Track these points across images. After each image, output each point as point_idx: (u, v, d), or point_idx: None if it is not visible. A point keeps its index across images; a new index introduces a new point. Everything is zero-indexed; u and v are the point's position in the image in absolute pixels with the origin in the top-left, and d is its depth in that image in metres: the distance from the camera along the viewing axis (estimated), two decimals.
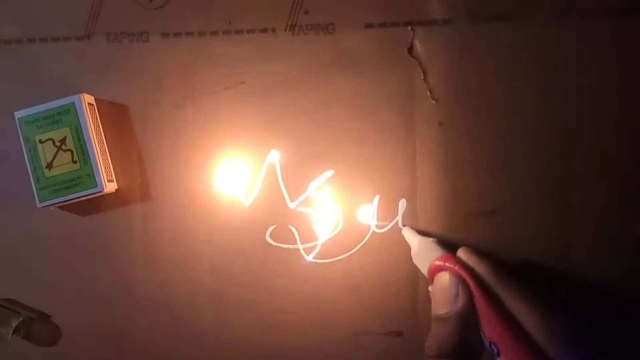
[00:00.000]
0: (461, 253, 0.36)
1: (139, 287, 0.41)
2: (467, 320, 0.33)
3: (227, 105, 0.41)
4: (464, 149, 0.40)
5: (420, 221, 0.40)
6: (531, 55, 0.39)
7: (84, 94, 0.39)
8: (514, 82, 0.39)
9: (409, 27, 0.40)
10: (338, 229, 0.40)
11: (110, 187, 0.40)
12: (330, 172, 0.40)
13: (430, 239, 0.38)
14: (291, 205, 0.40)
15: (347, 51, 0.40)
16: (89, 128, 0.39)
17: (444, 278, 0.35)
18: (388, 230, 0.40)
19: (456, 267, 0.35)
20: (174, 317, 0.41)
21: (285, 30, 0.40)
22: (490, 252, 0.38)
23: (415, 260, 0.38)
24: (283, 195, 0.40)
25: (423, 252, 0.38)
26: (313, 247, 0.40)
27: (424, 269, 0.37)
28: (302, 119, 0.41)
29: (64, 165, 0.39)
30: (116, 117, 0.41)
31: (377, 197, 0.40)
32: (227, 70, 0.41)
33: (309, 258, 0.40)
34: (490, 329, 0.33)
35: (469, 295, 0.33)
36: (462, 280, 0.34)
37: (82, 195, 0.39)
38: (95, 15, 0.41)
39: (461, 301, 0.33)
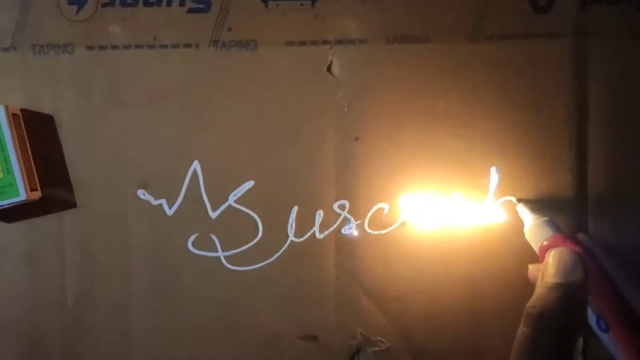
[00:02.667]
0: (581, 236, 0.38)
1: (64, 293, 0.42)
2: (576, 293, 0.34)
3: (151, 117, 0.42)
4: (378, 162, 0.42)
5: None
6: (443, 75, 0.41)
7: (8, 104, 0.40)
8: (424, 101, 0.41)
9: (328, 46, 0.42)
10: (258, 238, 0.42)
11: (33, 195, 0.41)
12: (250, 183, 0.42)
13: (545, 218, 0.39)
14: (212, 214, 0.42)
15: (269, 67, 0.42)
16: (12, 138, 0.40)
17: (562, 251, 0.35)
18: (305, 239, 0.42)
19: (576, 247, 0.36)
20: (99, 323, 0.43)
21: (208, 46, 0.42)
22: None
23: (528, 236, 0.39)
24: (205, 205, 0.42)
25: (538, 229, 0.39)
26: (233, 255, 0.42)
27: (536, 245, 0.38)
28: (225, 132, 0.42)
29: None
30: (41, 127, 0.42)
31: (295, 208, 0.42)
32: (151, 84, 0.42)
33: (229, 265, 0.42)
34: (601, 305, 0.35)
35: (585, 271, 0.34)
36: (580, 257, 0.35)
37: (5, 204, 0.40)
38: (21, 27, 0.42)
39: (577, 275, 0.34)
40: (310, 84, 0.42)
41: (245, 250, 0.42)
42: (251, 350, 0.43)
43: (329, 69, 0.42)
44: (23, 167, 0.40)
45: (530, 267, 0.39)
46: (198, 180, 0.42)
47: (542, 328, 0.33)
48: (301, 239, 0.42)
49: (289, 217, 0.42)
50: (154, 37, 0.42)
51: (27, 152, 0.41)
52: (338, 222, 0.42)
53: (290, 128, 0.42)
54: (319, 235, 0.42)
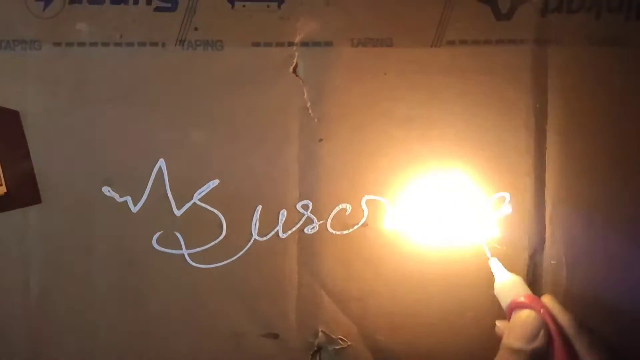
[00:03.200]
0: (546, 298, 0.38)
1: (30, 289, 0.43)
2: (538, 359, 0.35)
3: (117, 114, 0.42)
4: (342, 163, 0.43)
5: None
6: (406, 78, 0.42)
7: None
8: (385, 104, 0.42)
9: (294, 48, 0.42)
10: (222, 236, 0.43)
11: None
12: (215, 182, 0.43)
13: (518, 277, 0.39)
14: (177, 212, 0.43)
15: (235, 68, 0.42)
16: None
17: (528, 315, 0.36)
18: (269, 238, 0.43)
19: (542, 310, 0.36)
20: (63, 320, 0.43)
21: (175, 45, 0.42)
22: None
23: (498, 291, 0.39)
24: (170, 203, 0.42)
25: (509, 286, 0.38)
26: (197, 253, 0.43)
27: (505, 302, 0.38)
28: (190, 130, 0.42)
29: None
30: (7, 123, 0.42)
31: (259, 207, 0.43)
32: (118, 81, 0.42)
33: (193, 263, 0.43)
34: None
35: (548, 338, 0.35)
36: (545, 323, 0.35)
37: None
38: None
39: (539, 342, 0.35)
40: (276, 85, 0.42)
41: (209, 248, 0.43)
42: (213, 347, 0.43)
43: (294, 70, 0.42)
44: None
45: (498, 323, 0.39)
46: (163, 178, 0.42)
47: None
48: (264, 238, 0.43)
49: (252, 216, 0.43)
50: (121, 35, 0.42)
51: None
52: (301, 222, 0.43)
53: (255, 128, 0.42)
54: (282, 235, 0.43)
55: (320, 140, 0.42)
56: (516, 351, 0.35)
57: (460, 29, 0.42)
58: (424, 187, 0.42)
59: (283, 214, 0.42)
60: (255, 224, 0.43)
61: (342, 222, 0.43)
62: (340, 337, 0.43)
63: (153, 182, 0.42)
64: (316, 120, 0.42)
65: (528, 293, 0.38)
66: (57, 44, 0.42)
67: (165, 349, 0.43)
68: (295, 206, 0.43)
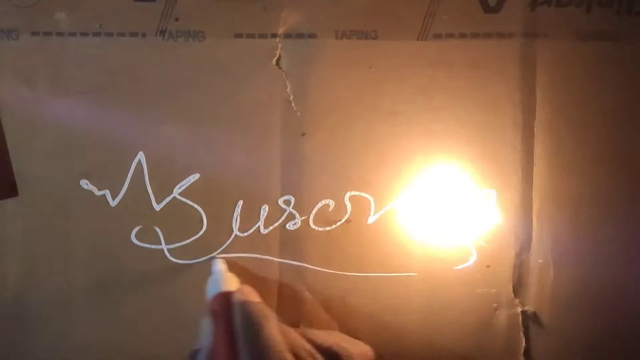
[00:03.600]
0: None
1: (9, 280, 0.42)
2: None
3: (97, 105, 0.41)
4: (324, 158, 0.42)
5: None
6: (390, 72, 0.41)
7: None
8: (371, 99, 0.41)
9: (277, 39, 0.41)
10: (202, 231, 0.42)
11: None
12: (196, 176, 0.42)
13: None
14: (157, 206, 0.42)
15: (217, 59, 0.41)
16: None
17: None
18: (250, 234, 0.42)
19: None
20: (40, 314, 0.42)
21: (155, 36, 0.41)
22: None
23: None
24: (149, 197, 0.42)
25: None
26: (177, 248, 0.42)
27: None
28: (170, 123, 0.41)
29: None
30: None
31: (240, 202, 0.42)
32: (97, 72, 0.41)
33: (172, 258, 0.42)
34: None
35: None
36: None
37: None
38: None
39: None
40: (258, 78, 0.41)
41: (189, 243, 0.42)
42: (192, 343, 0.42)
43: (277, 62, 0.41)
44: None
45: None
46: (143, 171, 0.41)
47: None
48: (246, 234, 0.42)
49: (234, 211, 0.42)
50: (100, 25, 0.41)
51: None
52: (283, 218, 0.42)
53: (236, 121, 0.42)
54: (263, 230, 0.42)
55: (303, 134, 0.42)
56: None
57: (447, 22, 0.41)
58: (408, 183, 0.41)
59: (265, 209, 0.42)
60: (237, 219, 0.42)
61: (324, 218, 0.42)
62: None
63: (132, 175, 0.41)
64: (299, 114, 0.41)
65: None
66: (35, 34, 0.41)
67: (145, 345, 0.42)
68: (277, 201, 0.42)
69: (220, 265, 0.40)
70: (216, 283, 0.39)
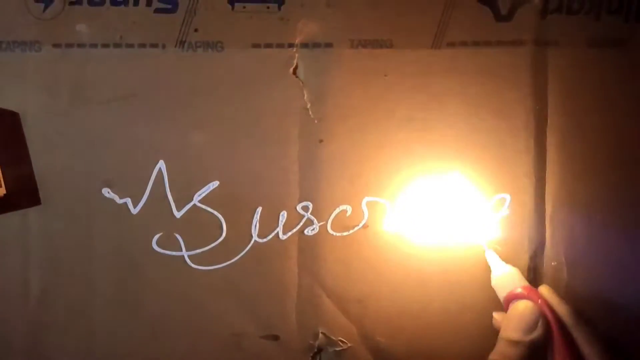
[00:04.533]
0: (543, 289, 0.38)
1: (29, 289, 0.42)
2: (537, 350, 0.35)
3: (118, 116, 0.42)
4: (341, 164, 0.43)
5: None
6: (405, 80, 0.42)
7: None
8: (386, 105, 0.42)
9: (294, 49, 0.42)
10: (222, 238, 0.43)
11: None
12: (215, 183, 0.42)
13: (515, 269, 0.39)
14: (177, 214, 0.42)
15: (235, 69, 0.42)
16: None
17: (525, 306, 0.36)
18: (269, 240, 0.43)
19: (539, 301, 0.36)
20: (62, 322, 0.43)
21: (175, 47, 0.42)
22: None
23: (495, 283, 0.39)
24: (170, 205, 0.42)
25: (506, 278, 0.39)
26: (197, 255, 0.43)
27: (502, 294, 0.38)
28: (190, 132, 0.42)
29: None
30: (7, 125, 0.42)
31: (259, 209, 0.43)
32: (118, 83, 0.42)
33: (193, 265, 0.43)
34: None
35: (547, 329, 0.35)
36: (543, 314, 0.36)
37: None
38: None
39: (537, 332, 0.35)
40: (276, 86, 0.42)
41: (209, 249, 0.43)
42: (213, 348, 0.43)
43: (294, 71, 0.42)
44: None
45: (495, 315, 0.40)
46: (163, 179, 0.42)
47: None
48: (265, 240, 0.43)
49: (253, 217, 0.42)
50: (121, 37, 0.42)
51: None
52: (301, 223, 0.43)
53: (255, 129, 0.42)
54: (282, 236, 0.43)
55: (320, 141, 0.42)
56: (515, 343, 0.35)
57: (460, 31, 0.42)
58: (424, 188, 0.42)
59: (283, 215, 0.42)
60: (256, 226, 0.43)
61: (342, 223, 0.43)
62: (340, 338, 0.43)
63: (153, 183, 0.42)
64: (316, 121, 0.42)
65: (525, 284, 0.38)
66: (57, 45, 0.42)
67: (165, 350, 0.43)
68: (296, 207, 0.43)
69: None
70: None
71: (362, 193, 0.42)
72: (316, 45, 0.42)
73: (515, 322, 0.36)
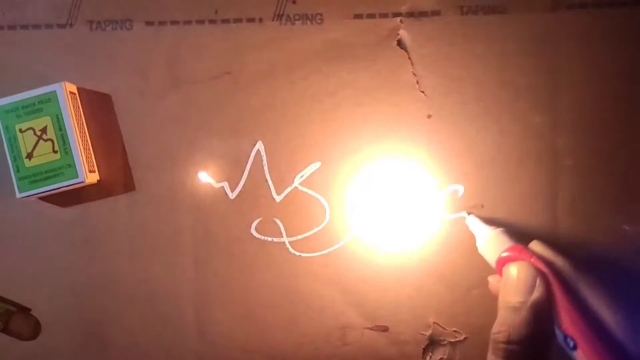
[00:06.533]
0: (535, 246, 0.35)
1: (121, 279, 0.40)
2: (541, 311, 0.32)
3: (213, 95, 0.40)
4: (452, 141, 0.39)
5: None
6: (521, 48, 0.39)
7: (66, 82, 0.38)
8: (503, 75, 0.39)
9: (398, 19, 0.39)
10: (325, 222, 0.40)
11: (91, 177, 0.39)
12: (317, 164, 0.40)
13: (499, 229, 0.36)
14: (277, 197, 0.40)
15: (335, 42, 0.40)
16: (71, 117, 0.38)
17: (520, 267, 0.34)
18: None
19: (532, 259, 0.34)
20: (157, 310, 0.40)
21: (272, 20, 0.40)
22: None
23: (482, 251, 0.37)
24: (269, 188, 0.40)
25: (491, 242, 0.36)
26: (299, 241, 0.40)
27: (492, 260, 0.36)
28: (289, 110, 0.40)
29: (44, 155, 0.38)
30: (99, 107, 0.40)
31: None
32: (212, 60, 0.40)
33: (295, 251, 0.40)
34: (568, 322, 0.32)
35: (547, 286, 0.33)
36: (539, 271, 0.33)
37: (63, 185, 0.38)
38: (78, 3, 0.40)
39: (538, 292, 0.33)
40: (380, 59, 0.40)
41: (311, 235, 0.40)
42: (317, 340, 0.40)
43: (398, 43, 0.40)
44: (81, 147, 0.38)
45: (490, 279, 0.37)
46: (262, 161, 0.40)
47: (512, 354, 0.32)
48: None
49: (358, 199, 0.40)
50: (216, 11, 0.40)
51: (85, 132, 0.40)
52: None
53: (358, 106, 0.40)
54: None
55: (429, 116, 0.39)
56: (516, 308, 0.33)
57: None
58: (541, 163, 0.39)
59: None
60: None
61: (455, 204, 0.40)
62: (454, 329, 0.40)
63: (251, 166, 0.40)
64: (423, 94, 0.39)
65: (513, 244, 0.35)
66: (150, 23, 0.40)
67: (268, 340, 0.40)
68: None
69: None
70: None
71: (474, 169, 0.39)
72: (422, 13, 0.39)
73: (511, 286, 0.33)
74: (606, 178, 0.39)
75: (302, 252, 0.40)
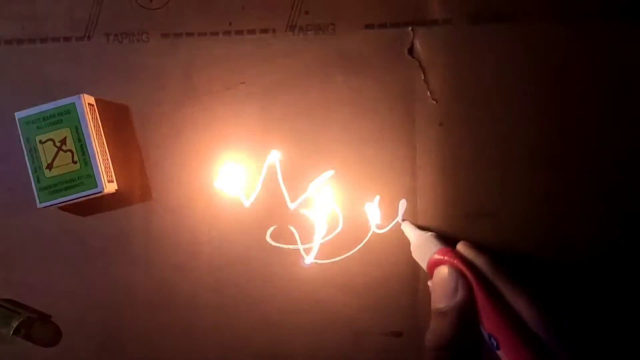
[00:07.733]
0: (460, 247, 0.36)
1: (139, 287, 0.41)
2: (466, 313, 0.33)
3: (228, 105, 0.41)
4: (463, 149, 0.40)
5: (420, 221, 0.40)
6: (530, 56, 0.39)
7: (85, 94, 0.39)
8: (513, 83, 0.39)
9: (409, 28, 0.40)
10: (338, 230, 0.41)
11: (110, 187, 0.40)
12: (330, 172, 0.40)
13: (429, 233, 0.38)
14: (291, 205, 0.41)
15: (348, 52, 0.40)
16: (90, 128, 0.39)
17: (443, 271, 0.34)
18: (388, 230, 0.40)
19: (455, 261, 0.34)
20: (174, 318, 0.41)
21: (285, 31, 0.40)
22: (490, 249, 0.37)
23: (415, 255, 0.38)
24: (283, 196, 0.40)
25: (422, 246, 0.37)
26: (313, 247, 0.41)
27: (424, 264, 0.37)
28: (302, 119, 0.41)
29: (64, 165, 0.39)
30: (116, 118, 0.41)
31: (377, 197, 0.40)
32: (227, 71, 0.41)
33: (309, 259, 0.40)
34: (489, 322, 0.32)
35: (468, 288, 0.33)
36: (461, 274, 0.34)
37: (83, 195, 0.39)
38: (96, 16, 0.41)
39: (460, 294, 0.33)
40: (391, 68, 0.40)
41: (325, 242, 0.41)
42: (331, 345, 0.41)
43: (410, 51, 0.40)
44: (100, 158, 0.39)
45: (429, 283, 0.37)
46: (276, 169, 0.40)
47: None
48: (384, 230, 0.40)
49: (371, 207, 0.40)
50: (230, 23, 0.41)
51: (103, 143, 0.41)
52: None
53: (369, 114, 0.40)
54: (401, 220, 0.40)
55: (441, 124, 0.40)
56: (443, 313, 0.33)
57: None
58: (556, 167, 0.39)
59: (403, 203, 0.40)
60: (375, 215, 0.40)
61: (465, 210, 0.40)
62: None
63: (266, 174, 0.41)
64: (435, 103, 0.40)
65: (441, 247, 0.36)
66: (165, 35, 0.41)
67: (284, 346, 0.41)
68: (416, 195, 0.40)
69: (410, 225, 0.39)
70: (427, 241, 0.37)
71: (484, 177, 0.40)
72: (433, 22, 0.40)
73: (437, 291, 0.34)
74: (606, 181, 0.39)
75: (317, 258, 0.41)
